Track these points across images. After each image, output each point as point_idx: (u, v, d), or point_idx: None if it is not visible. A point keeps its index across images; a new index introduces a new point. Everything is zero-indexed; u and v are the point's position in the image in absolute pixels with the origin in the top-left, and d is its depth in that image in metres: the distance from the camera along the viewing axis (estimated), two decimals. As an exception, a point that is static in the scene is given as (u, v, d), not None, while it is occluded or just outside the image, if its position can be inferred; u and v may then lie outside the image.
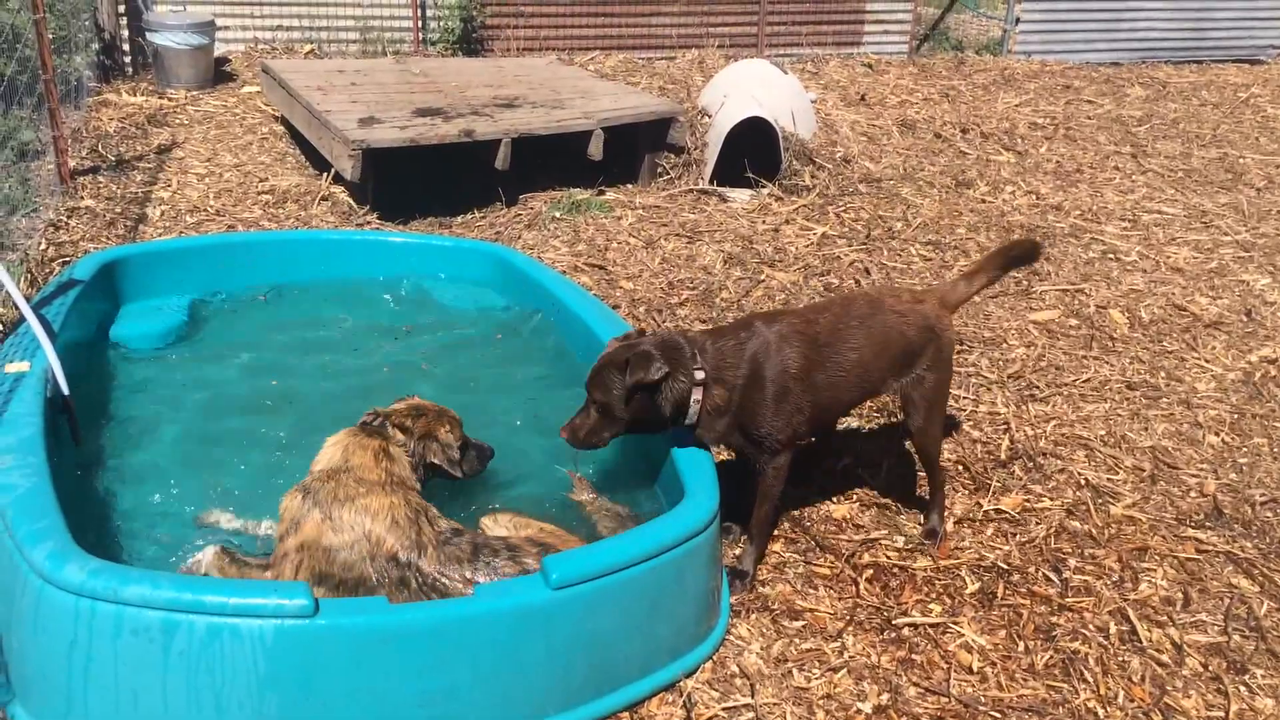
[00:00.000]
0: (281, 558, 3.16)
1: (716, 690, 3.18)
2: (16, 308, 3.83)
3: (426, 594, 3.08)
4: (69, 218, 6.21)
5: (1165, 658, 3.44)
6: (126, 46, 9.76)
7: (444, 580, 3.09)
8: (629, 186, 7.62)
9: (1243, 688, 3.33)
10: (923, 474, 4.33)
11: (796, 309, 3.79)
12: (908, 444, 4.48)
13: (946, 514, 4.03)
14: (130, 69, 9.75)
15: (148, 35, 9.19)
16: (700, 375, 3.41)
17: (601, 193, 7.38)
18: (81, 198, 6.54)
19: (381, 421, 3.55)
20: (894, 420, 4.69)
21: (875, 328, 3.66)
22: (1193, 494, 4.34)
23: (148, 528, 3.49)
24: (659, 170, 7.74)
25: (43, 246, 5.74)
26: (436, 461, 3.57)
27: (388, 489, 3.27)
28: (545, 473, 3.96)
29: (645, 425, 3.48)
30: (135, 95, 8.95)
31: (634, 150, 7.67)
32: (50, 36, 6.42)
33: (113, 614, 2.64)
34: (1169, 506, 4.25)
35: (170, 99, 8.95)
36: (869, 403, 4.78)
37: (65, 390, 3.61)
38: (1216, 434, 4.79)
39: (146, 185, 6.89)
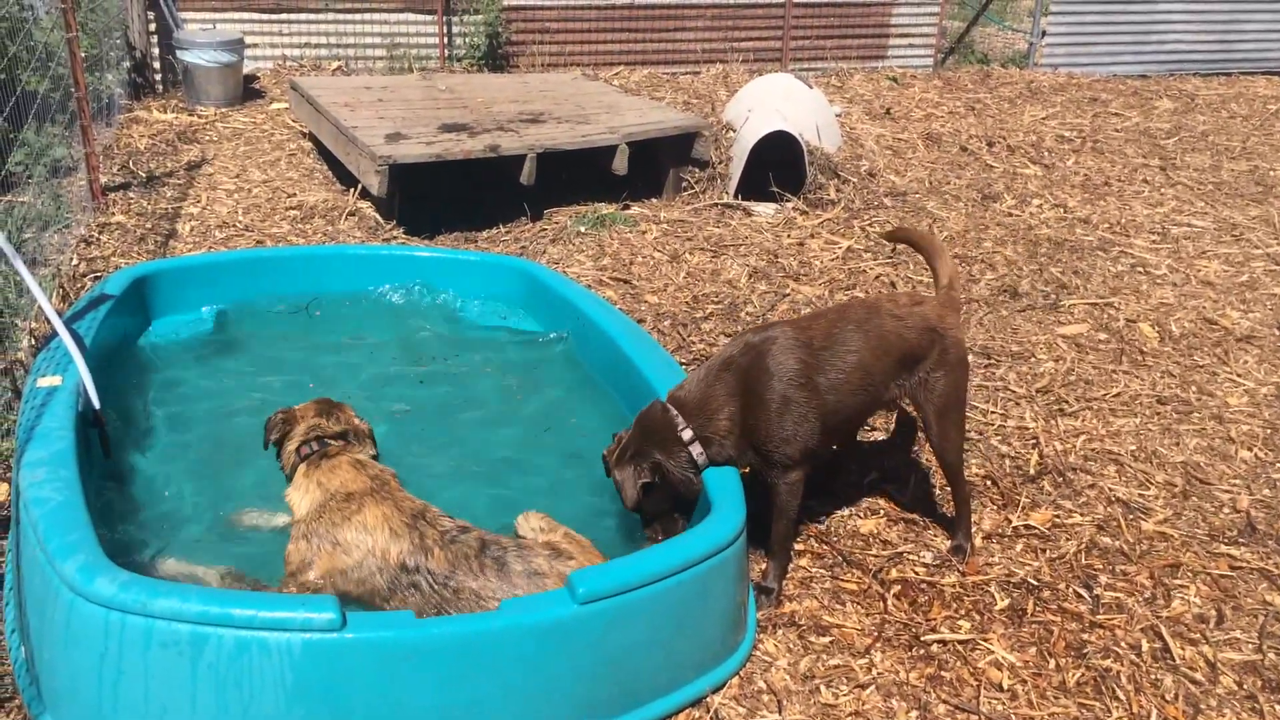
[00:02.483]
0: (296, 587, 3.21)
1: (743, 706, 3.16)
2: (49, 322, 3.87)
3: (439, 593, 3.12)
4: (100, 233, 6.28)
5: (1199, 676, 3.39)
6: (157, 64, 9.89)
7: (455, 578, 3.13)
8: (654, 201, 7.63)
9: (1278, 706, 3.28)
10: (949, 488, 4.30)
11: (790, 318, 3.79)
12: (925, 458, 4.46)
13: (974, 529, 4.00)
14: (161, 86, 9.87)
15: (178, 53, 9.30)
16: (689, 434, 3.47)
17: (626, 207, 7.39)
18: (112, 214, 6.61)
19: (322, 442, 3.55)
20: (919, 434, 4.65)
21: (873, 331, 3.65)
22: (1225, 510, 4.29)
23: (178, 540, 3.51)
24: (683, 184, 7.74)
25: (74, 262, 5.81)
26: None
27: (377, 496, 3.32)
28: (571, 487, 3.97)
29: (679, 496, 3.56)
30: (165, 112, 9.06)
31: (658, 165, 7.68)
32: (82, 55, 6.50)
33: (142, 627, 2.65)
34: (1201, 522, 4.20)
35: (200, 116, 9.05)
36: (893, 416, 4.76)
37: (96, 404, 3.64)
38: (1249, 449, 4.73)
39: (176, 201, 6.96)
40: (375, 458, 3.69)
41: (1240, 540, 4.09)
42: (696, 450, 3.47)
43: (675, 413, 3.49)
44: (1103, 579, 3.82)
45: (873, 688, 3.26)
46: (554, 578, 3.12)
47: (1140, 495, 4.35)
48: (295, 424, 3.62)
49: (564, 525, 3.45)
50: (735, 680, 3.25)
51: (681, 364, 4.63)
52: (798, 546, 3.89)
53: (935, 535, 4.03)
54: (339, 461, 3.46)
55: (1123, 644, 3.50)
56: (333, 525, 3.26)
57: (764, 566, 3.68)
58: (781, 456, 3.51)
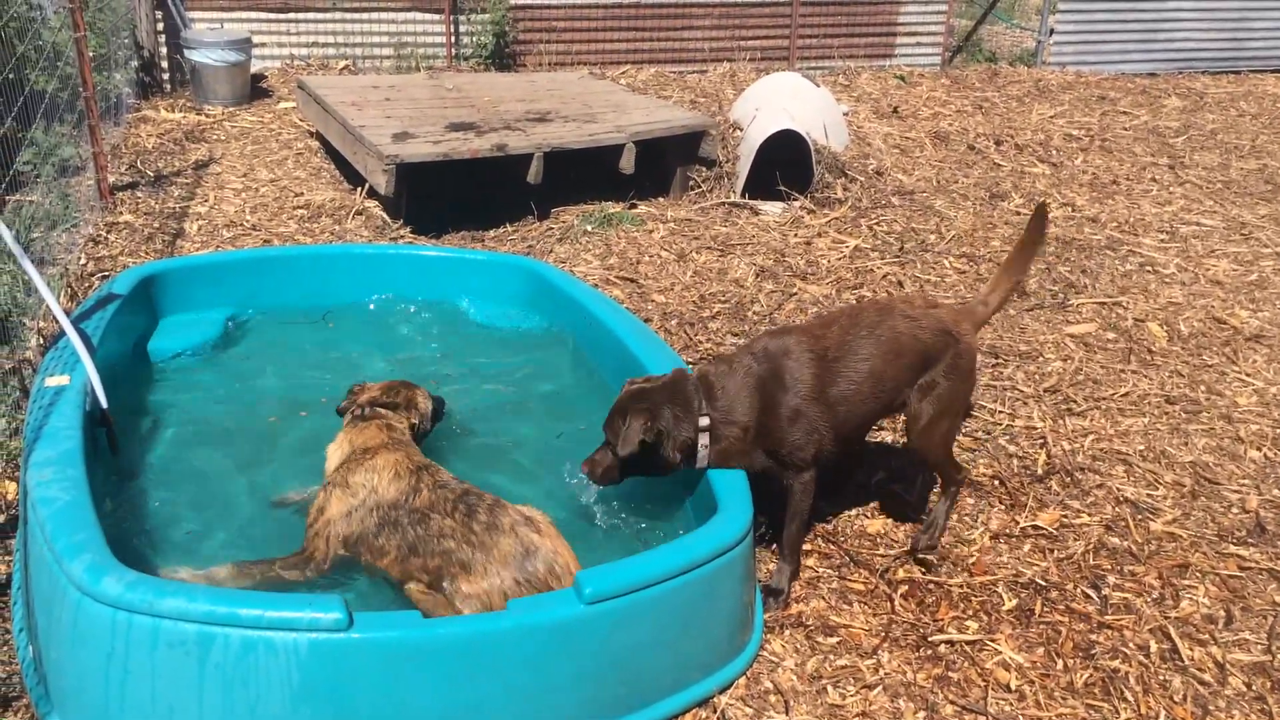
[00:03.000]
0: (313, 537, 3.42)
1: (750, 707, 3.16)
2: (57, 322, 3.88)
3: (414, 530, 3.30)
4: (108, 233, 6.29)
5: (1208, 677, 3.38)
6: (165, 64, 9.91)
7: (430, 517, 3.31)
8: (660, 200, 7.62)
9: (1288, 708, 3.27)
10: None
11: (804, 324, 3.78)
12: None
13: (978, 529, 3.97)
14: (169, 86, 9.89)
15: (186, 53, 9.32)
16: (705, 421, 3.45)
17: (633, 206, 7.38)
18: (120, 213, 6.63)
19: (370, 408, 3.81)
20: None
21: (885, 335, 3.62)
22: (1234, 510, 4.27)
23: (185, 539, 3.52)
24: (690, 183, 7.74)
25: (82, 261, 5.82)
26: (419, 425, 3.94)
27: (391, 448, 3.58)
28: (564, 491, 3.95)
29: (654, 468, 3.52)
30: (173, 111, 9.07)
31: (665, 164, 7.67)
32: (90, 54, 6.51)
33: (149, 627, 2.65)
34: (1210, 523, 4.18)
35: (207, 115, 9.06)
36: (902, 418, 4.75)
37: (104, 403, 3.65)
38: (1258, 449, 4.71)
39: (184, 200, 6.97)
40: (426, 432, 3.96)
41: (1249, 540, 4.07)
42: (703, 441, 3.46)
43: (701, 399, 3.47)
44: (1111, 579, 3.81)
45: (880, 688, 3.26)
46: (510, 535, 3.24)
47: (1149, 495, 4.33)
48: (359, 395, 3.90)
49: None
50: (742, 680, 3.24)
51: (688, 363, 4.62)
52: (805, 546, 3.88)
53: (942, 535, 4.01)
54: (370, 424, 3.71)
55: (1131, 645, 3.49)
56: (347, 472, 3.50)
57: (772, 567, 3.68)
58: (796, 460, 3.52)
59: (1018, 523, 4.10)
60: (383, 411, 3.80)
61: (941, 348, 3.69)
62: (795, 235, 6.99)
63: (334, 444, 3.72)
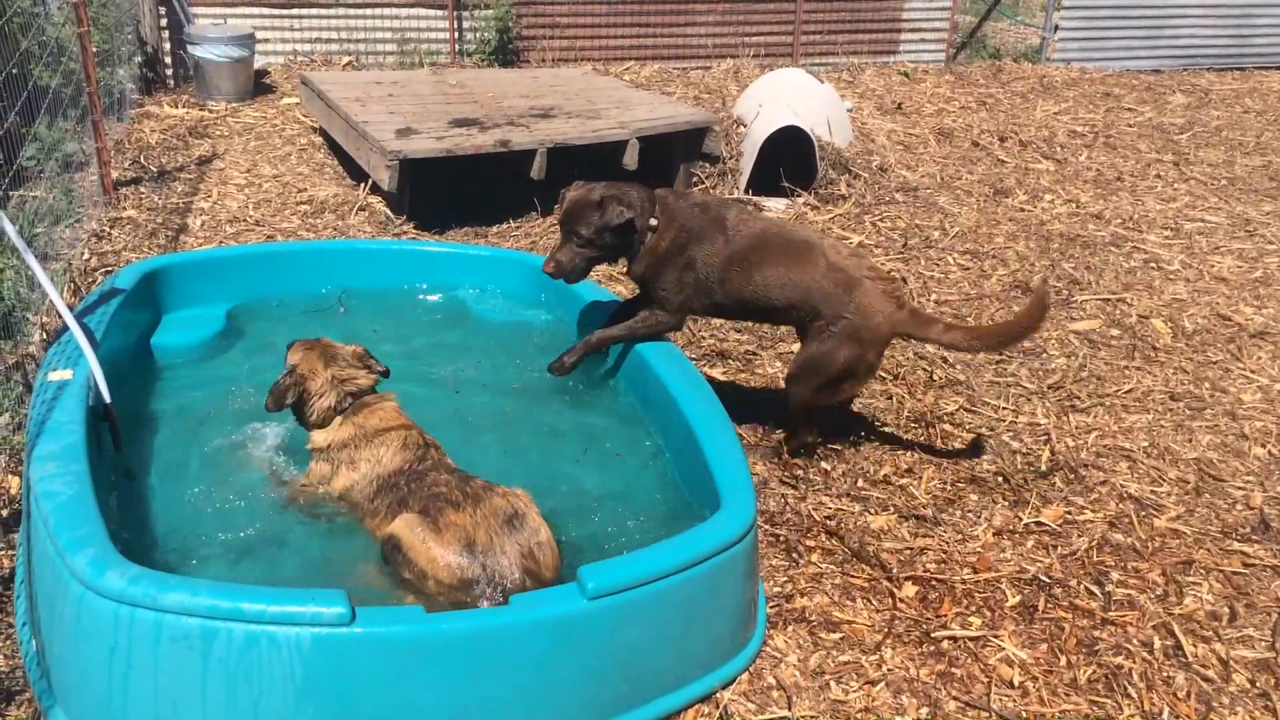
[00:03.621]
0: (298, 498, 3.64)
1: (753, 702, 3.15)
2: (60, 316, 3.88)
3: (407, 486, 3.41)
4: (111, 228, 6.29)
5: (1211, 673, 3.37)
6: (168, 59, 9.91)
7: (428, 475, 3.42)
8: (664, 196, 7.60)
9: (1292, 705, 3.26)
10: (961, 484, 4.30)
11: (748, 220, 4.22)
12: (935, 454, 4.44)
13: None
14: (172, 81, 9.89)
15: (189, 48, 9.32)
16: (654, 222, 4.12)
17: (637, 202, 7.37)
18: (124, 208, 6.63)
19: (355, 396, 3.74)
20: (930, 431, 4.64)
21: (797, 272, 4.05)
22: (1239, 506, 4.27)
23: (187, 534, 3.52)
24: (694, 180, 7.73)
25: (86, 256, 5.82)
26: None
27: (406, 427, 3.66)
28: (560, 488, 3.94)
29: (610, 253, 4.20)
30: (176, 107, 9.08)
31: (669, 160, 7.66)
32: (94, 50, 6.51)
33: (152, 621, 2.65)
34: (1214, 519, 4.17)
35: (211, 111, 9.07)
36: (906, 414, 4.75)
37: (107, 398, 3.64)
38: (1263, 445, 4.70)
39: (187, 196, 6.98)
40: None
41: (1253, 537, 4.07)
42: (648, 236, 4.11)
43: (656, 211, 4.13)
44: (1114, 576, 3.81)
45: (883, 684, 3.25)
46: (502, 499, 3.30)
47: (1152, 492, 4.32)
48: (310, 381, 3.70)
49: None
50: (745, 676, 3.24)
51: (691, 359, 4.62)
52: (808, 543, 3.88)
53: (946, 531, 4.01)
54: (384, 406, 3.73)
55: (1134, 641, 3.49)
56: (355, 449, 3.59)
57: (774, 563, 3.66)
58: (659, 296, 4.18)
59: (1021, 519, 4.10)
60: (374, 396, 3.76)
61: (836, 306, 4.03)
62: (799, 231, 6.98)
63: (327, 430, 3.69)
